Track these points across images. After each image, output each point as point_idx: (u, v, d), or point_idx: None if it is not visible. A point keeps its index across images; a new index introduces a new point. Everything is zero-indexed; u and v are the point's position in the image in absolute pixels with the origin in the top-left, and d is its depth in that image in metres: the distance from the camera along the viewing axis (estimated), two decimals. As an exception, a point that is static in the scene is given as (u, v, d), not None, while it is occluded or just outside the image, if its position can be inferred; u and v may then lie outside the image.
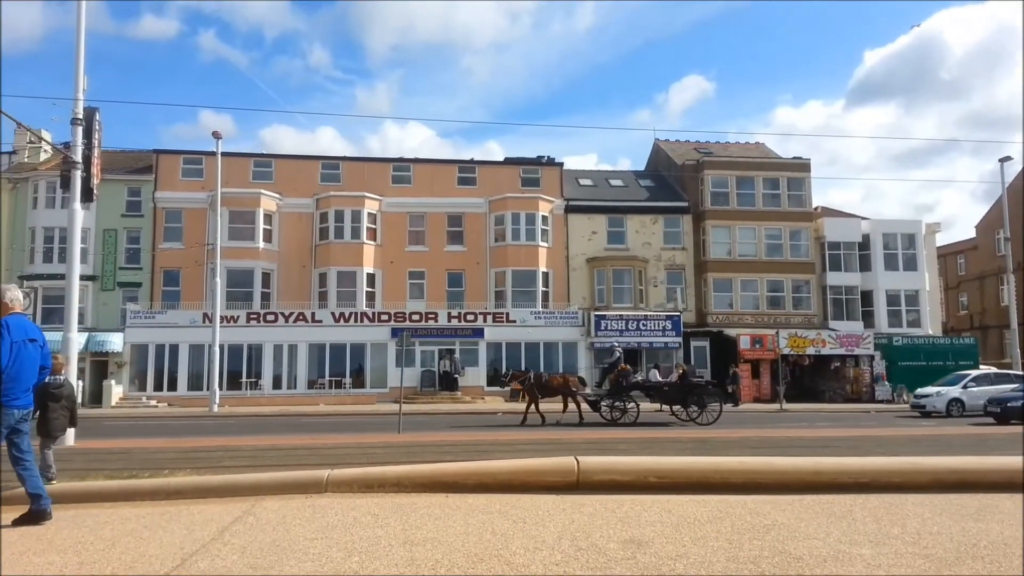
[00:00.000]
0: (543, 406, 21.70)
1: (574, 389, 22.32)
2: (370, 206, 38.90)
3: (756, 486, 6.64)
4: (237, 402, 33.17)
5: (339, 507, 6.14)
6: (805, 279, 40.79)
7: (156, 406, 33.25)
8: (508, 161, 43.20)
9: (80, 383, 29.10)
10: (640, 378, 24.81)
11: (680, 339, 37.54)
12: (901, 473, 6.86)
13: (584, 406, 21.66)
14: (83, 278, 28.15)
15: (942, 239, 50.54)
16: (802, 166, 42.28)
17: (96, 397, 33.88)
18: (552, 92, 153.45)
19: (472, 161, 42.54)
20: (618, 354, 24.07)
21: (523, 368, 29.30)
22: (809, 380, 38.52)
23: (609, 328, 36.95)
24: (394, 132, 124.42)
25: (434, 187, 40.15)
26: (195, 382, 34.61)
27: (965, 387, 26.29)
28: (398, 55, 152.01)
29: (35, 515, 5.88)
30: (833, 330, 38.91)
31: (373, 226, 38.97)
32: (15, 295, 6.19)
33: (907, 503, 6.02)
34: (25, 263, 36.68)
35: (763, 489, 6.56)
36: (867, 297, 41.06)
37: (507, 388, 25.58)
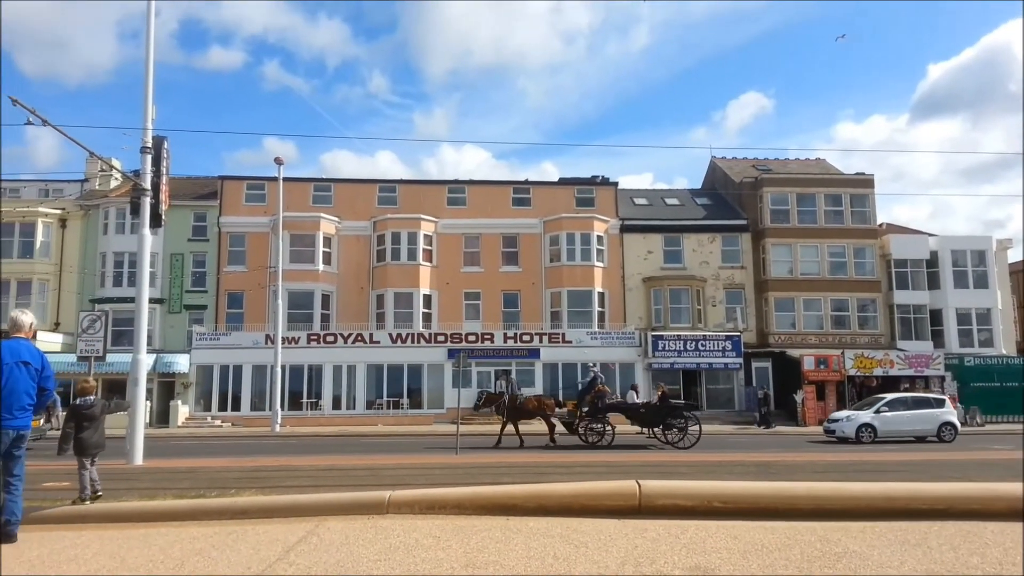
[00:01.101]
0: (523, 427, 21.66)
1: (548, 412, 22.16)
2: (426, 228, 39.35)
3: (825, 512, 6.40)
4: (298, 422, 33.73)
5: (401, 528, 6.14)
6: (871, 298, 39.65)
7: (220, 426, 34.02)
8: (562, 181, 43.26)
9: (148, 403, 30.01)
10: (616, 399, 24.26)
11: (740, 360, 36.81)
12: (979, 500, 6.53)
13: (560, 428, 21.69)
14: (151, 301, 29.12)
15: (1014, 255, 48.64)
16: (865, 182, 41.26)
17: (163, 417, 34.87)
18: (607, 112, 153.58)
19: (526, 182, 42.75)
20: (593, 375, 23.58)
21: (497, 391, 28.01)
22: (877, 402, 37.22)
23: (667, 348, 36.48)
24: (450, 155, 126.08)
25: (489, 208, 40.42)
26: (258, 402, 35.36)
27: (878, 412, 24.77)
28: (455, 79, 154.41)
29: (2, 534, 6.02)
30: (901, 350, 37.63)
31: (429, 247, 39.39)
32: (19, 321, 6.58)
33: (986, 531, 5.74)
34: (96, 287, 38.16)
35: (833, 515, 6.33)
36: (936, 316, 39.68)
37: (480, 411, 25.53)
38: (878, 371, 36.19)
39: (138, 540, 6.06)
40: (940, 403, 25.32)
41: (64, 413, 8.60)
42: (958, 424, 24.81)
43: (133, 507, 7.42)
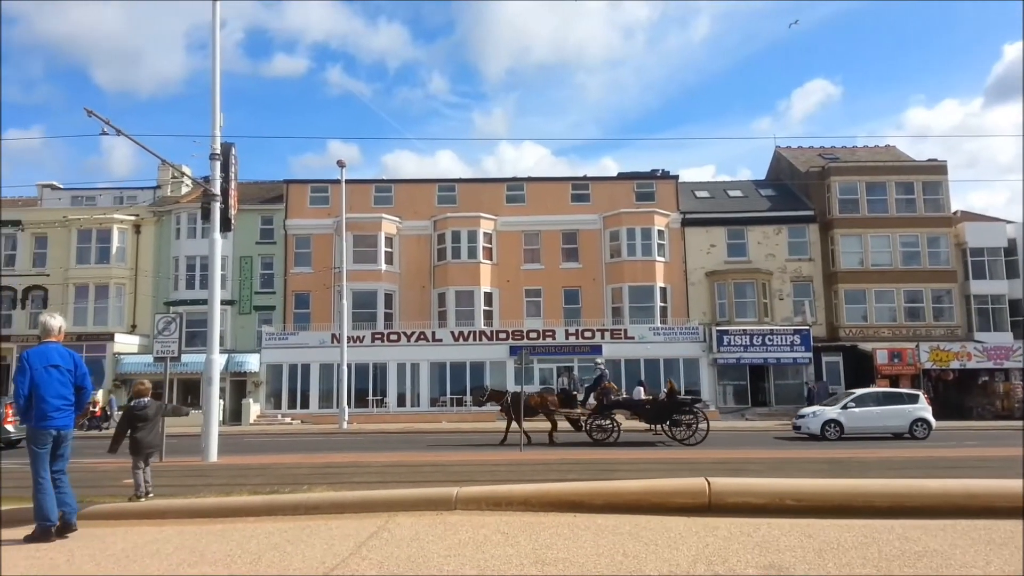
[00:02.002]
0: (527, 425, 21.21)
1: (552, 408, 21.88)
2: (485, 226, 39.54)
3: (903, 510, 6.20)
4: (364, 419, 34.32)
5: (469, 525, 6.19)
6: (946, 288, 38.21)
7: (290, 423, 34.86)
8: (621, 176, 42.91)
9: (222, 402, 30.99)
10: (622, 396, 23.75)
11: (810, 354, 35.94)
12: (1071, 498, 6.23)
13: (564, 425, 21.56)
14: (222, 303, 29.97)
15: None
16: (938, 168, 39.73)
17: (236, 415, 35.94)
18: (667, 104, 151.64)
19: (585, 178, 42.56)
20: (600, 372, 23.19)
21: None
22: (954, 396, 35.92)
23: (733, 343, 35.87)
24: (509, 153, 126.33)
25: (548, 205, 40.38)
26: (325, 400, 36.13)
27: (845, 407, 23.78)
28: (513, 78, 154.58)
29: (61, 527, 6.36)
30: (979, 342, 36.15)
31: (489, 245, 39.57)
32: (47, 325, 6.78)
33: (1079, 530, 5.47)
34: (170, 290, 39.55)
35: (911, 513, 6.13)
36: (1016, 306, 37.94)
37: (484, 406, 25.39)
38: (955, 364, 34.91)
39: (216, 535, 6.26)
40: (913, 399, 24.27)
41: (119, 413, 8.96)
42: (932, 420, 23.56)
43: (211, 503, 7.66)
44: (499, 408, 22.92)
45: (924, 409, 23.75)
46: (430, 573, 4.66)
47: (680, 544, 5.26)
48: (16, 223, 40.55)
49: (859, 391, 25.93)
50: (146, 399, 9.01)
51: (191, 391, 36.94)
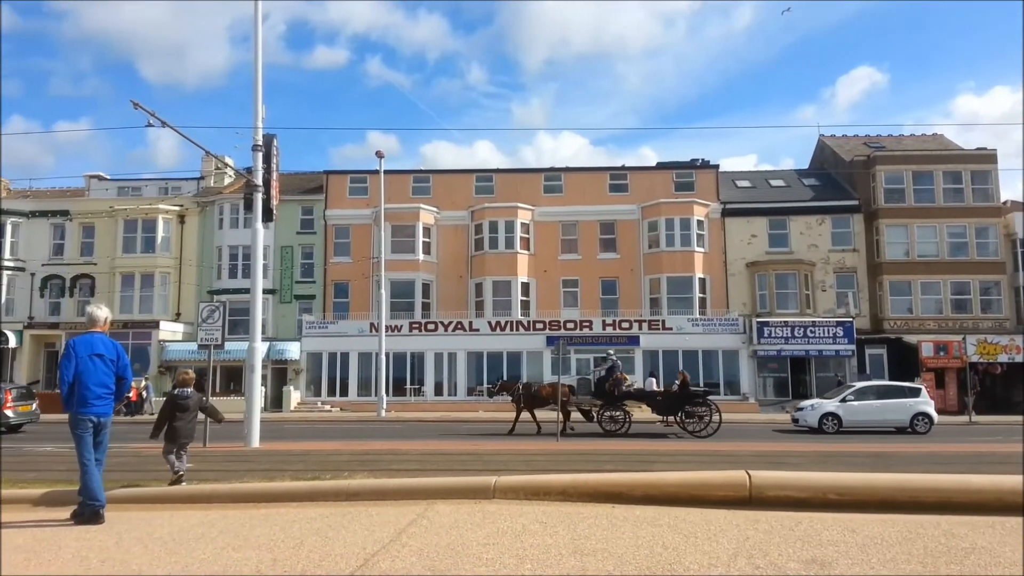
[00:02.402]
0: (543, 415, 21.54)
1: (564, 399, 21.68)
2: (523, 216, 39.51)
3: (949, 506, 6.09)
4: (402, 408, 34.63)
5: (507, 513, 6.22)
6: (995, 280, 37.18)
7: (330, 410, 35.34)
8: (660, 166, 42.49)
9: (263, 389, 31.46)
10: (635, 387, 23.53)
11: (853, 347, 35.31)
12: None
13: (576, 415, 21.53)
14: (264, 292, 30.46)
15: None
16: (987, 157, 38.60)
17: (277, 402, 36.55)
18: (707, 93, 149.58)
19: (623, 168, 42.21)
20: (612, 363, 22.88)
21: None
22: (1002, 390, 35.07)
23: (773, 335, 35.40)
24: (548, 143, 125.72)
25: (586, 195, 40.18)
26: (364, 388, 36.54)
27: (844, 400, 23.36)
28: (552, 68, 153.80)
29: (83, 514, 6.58)
30: (1029, 335, 35.17)
31: (526, 235, 39.54)
32: (93, 315, 7.01)
33: None
34: (213, 279, 40.28)
35: (957, 509, 6.01)
36: (1068, 299, 36.83)
37: (493, 398, 25.35)
38: (1003, 357, 34.05)
39: (260, 519, 6.38)
40: (915, 392, 23.85)
41: (157, 399, 9.18)
42: (934, 415, 23.01)
43: (254, 488, 7.82)
44: (511, 399, 23.00)
45: (926, 403, 23.31)
46: (469, 561, 4.69)
47: (720, 537, 5.22)
48: (65, 213, 41.64)
49: (860, 384, 25.65)
50: (189, 389, 9.22)
51: (234, 378, 37.63)
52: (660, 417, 22.07)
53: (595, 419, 21.38)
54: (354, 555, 4.91)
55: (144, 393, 33.95)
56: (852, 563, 4.50)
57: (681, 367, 35.27)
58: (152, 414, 32.30)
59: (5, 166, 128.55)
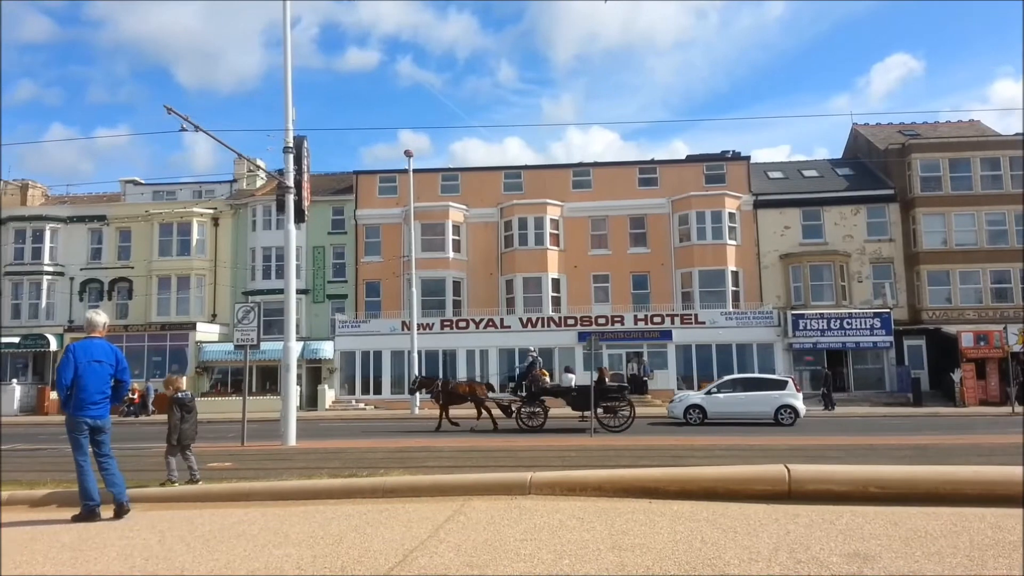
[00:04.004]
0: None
1: (481, 396, 22.04)
2: (552, 212, 39.44)
3: (995, 498, 5.93)
4: (435, 405, 34.64)
5: (544, 509, 6.21)
6: (1036, 267, 36.31)
7: (364, 408, 35.63)
8: (690, 159, 42.12)
9: (298, 388, 31.85)
10: (550, 383, 23.39)
11: (891, 338, 34.73)
12: None
13: (497, 412, 21.78)
14: (297, 292, 30.82)
15: None
16: (1027, 142, 37.68)
17: (312, 400, 36.96)
18: (738, 84, 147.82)
19: (652, 161, 41.92)
20: (532, 359, 22.96)
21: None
22: (1045, 380, 34.18)
23: (809, 327, 34.94)
24: (578, 138, 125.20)
25: (615, 190, 39.99)
26: (397, 386, 36.73)
27: (709, 393, 23.88)
28: (581, 64, 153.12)
29: (116, 509, 6.79)
30: (1074, 324, 34.26)
31: (556, 232, 39.48)
32: (92, 321, 7.23)
33: None
34: (247, 280, 40.81)
35: (1004, 502, 5.86)
36: (1113, 285, 35.81)
37: (416, 395, 25.45)
38: (1047, 346, 33.18)
39: (298, 516, 6.45)
40: (781, 385, 23.94)
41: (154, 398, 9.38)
42: (799, 407, 22.96)
43: (293, 486, 7.90)
44: (430, 396, 23.20)
45: (792, 396, 23.27)
46: (507, 556, 4.69)
47: (760, 531, 5.16)
48: (102, 218, 42.47)
49: (729, 377, 26.20)
50: (189, 392, 9.42)
51: (269, 378, 38.12)
52: (577, 412, 22.10)
53: (513, 415, 21.66)
54: (393, 551, 4.93)
55: (146, 396, 34.46)
56: (896, 557, 4.42)
57: (715, 362, 35.18)
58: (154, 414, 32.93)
59: (45, 173, 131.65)
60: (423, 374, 31.25)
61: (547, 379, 22.86)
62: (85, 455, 6.91)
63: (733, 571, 4.24)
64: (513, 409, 21.81)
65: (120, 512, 6.80)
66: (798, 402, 23.11)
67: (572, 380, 22.95)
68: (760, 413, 23.08)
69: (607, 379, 21.95)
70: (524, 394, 21.85)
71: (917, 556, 4.42)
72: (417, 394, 27.41)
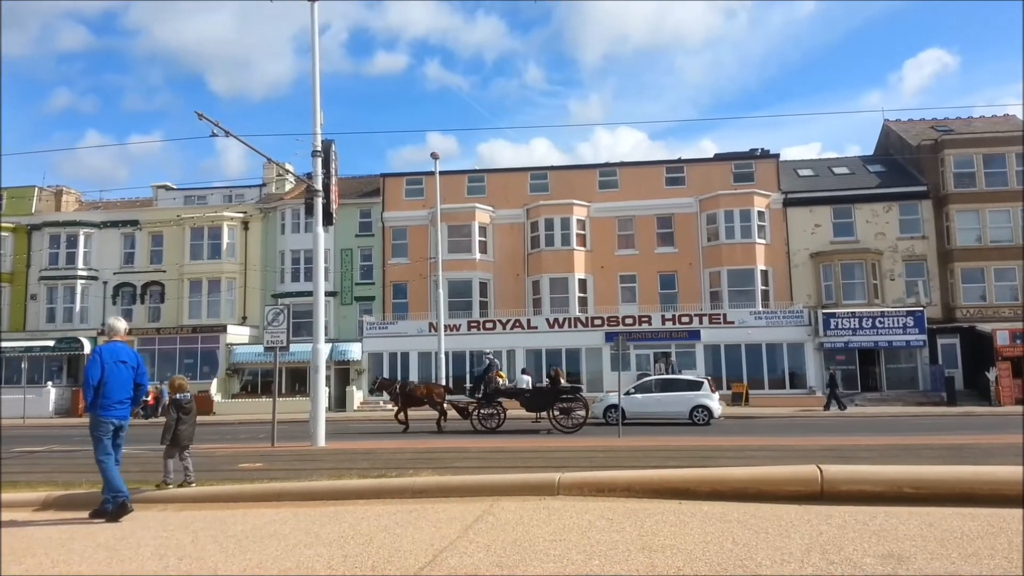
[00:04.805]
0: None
1: (437, 399, 22.32)
2: (578, 213, 39.36)
3: (1034, 499, 5.81)
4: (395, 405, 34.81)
5: (573, 510, 6.20)
6: (1075, 264, 35.50)
7: (392, 409, 35.67)
8: (718, 157, 41.79)
9: (327, 389, 32.12)
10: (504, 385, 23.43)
11: (924, 337, 34.16)
12: None
13: (452, 413, 22.12)
14: (326, 294, 31.08)
15: None
16: (1064, 136, 36.87)
17: (340, 402, 37.23)
18: (767, 82, 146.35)
19: (680, 160, 41.64)
20: (489, 361, 23.17)
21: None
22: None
23: (840, 327, 34.48)
24: (605, 138, 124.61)
25: (641, 189, 39.80)
26: (424, 387, 36.83)
27: (627, 393, 23.89)
28: (609, 64, 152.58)
29: (119, 507, 6.93)
30: (1114, 321, 33.45)
31: (582, 232, 39.39)
32: (115, 327, 7.53)
33: None
34: (277, 283, 41.24)
35: (1042, 503, 5.74)
36: None
37: (376, 396, 25.64)
38: (1084, 344, 32.45)
39: (329, 517, 6.50)
40: (696, 386, 24.68)
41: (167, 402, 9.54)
42: (713, 408, 23.71)
43: (323, 486, 7.97)
44: (389, 398, 23.36)
45: (706, 396, 23.98)
46: (537, 557, 4.68)
47: (792, 532, 5.11)
48: (134, 223, 43.18)
49: (647, 378, 26.80)
50: (189, 394, 9.52)
51: (298, 379, 38.49)
52: (532, 414, 22.32)
53: (469, 417, 21.94)
54: (423, 551, 4.95)
55: (160, 399, 34.85)
56: (931, 558, 4.36)
57: (744, 362, 34.87)
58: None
59: (81, 179, 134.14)
60: (384, 376, 31.71)
61: (504, 381, 23.20)
62: (108, 453, 7.11)
63: (765, 572, 4.20)
64: (470, 411, 22.17)
65: (123, 510, 7.00)
66: (712, 402, 23.86)
67: (527, 382, 23.29)
68: (676, 413, 23.77)
69: (562, 380, 22.39)
70: (480, 396, 22.19)
71: (954, 557, 4.35)
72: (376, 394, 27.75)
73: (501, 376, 23.30)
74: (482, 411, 21.58)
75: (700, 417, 23.51)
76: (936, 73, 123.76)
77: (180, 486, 8.64)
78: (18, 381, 36.56)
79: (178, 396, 9.40)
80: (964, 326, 35.14)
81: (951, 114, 43.03)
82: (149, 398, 33.31)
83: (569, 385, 22.81)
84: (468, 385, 24.07)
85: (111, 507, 6.90)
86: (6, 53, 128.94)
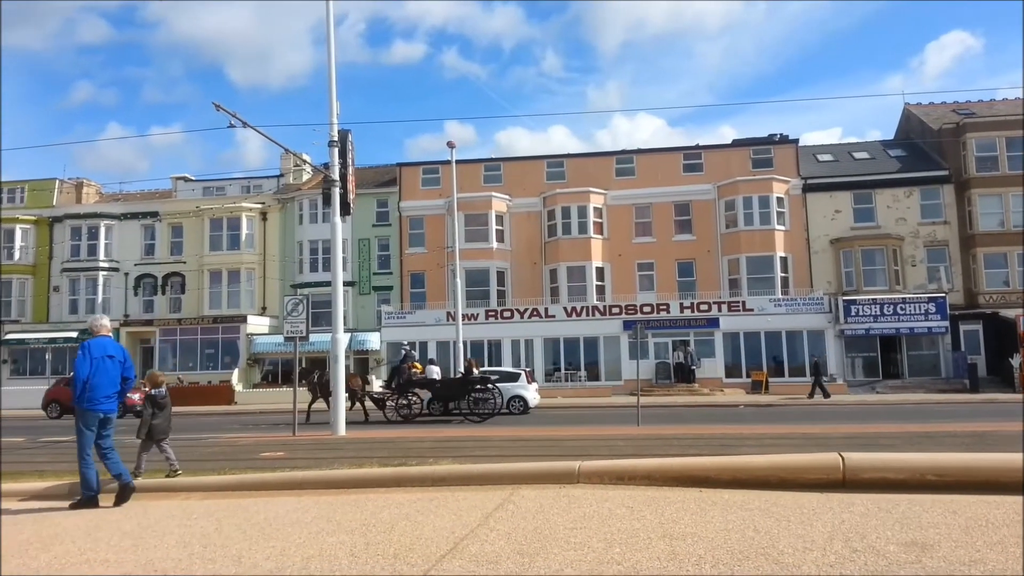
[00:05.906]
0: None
1: (355, 388, 22.41)
2: (595, 201, 39.21)
3: (1059, 487, 5.75)
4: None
5: (593, 498, 6.21)
6: (1099, 248, 34.93)
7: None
8: (736, 143, 41.44)
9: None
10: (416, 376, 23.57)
11: (946, 323, 33.79)
12: None
13: (369, 404, 22.60)
14: (344, 284, 31.22)
15: None
16: (1090, 118, 36.20)
17: (360, 391, 37.40)
18: (785, 66, 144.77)
19: (697, 147, 41.33)
20: (405, 352, 23.47)
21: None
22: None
23: (861, 313, 34.18)
24: (624, 125, 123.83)
25: (659, 177, 39.58)
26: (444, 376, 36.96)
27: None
28: (628, 51, 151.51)
29: (121, 491, 7.27)
30: None
31: (599, 220, 39.25)
32: (99, 323, 7.67)
33: None
34: (295, 273, 41.47)
35: (1068, 490, 5.67)
36: None
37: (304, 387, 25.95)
38: (1110, 330, 31.96)
39: (350, 505, 6.55)
40: (514, 377, 25.52)
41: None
42: (528, 398, 24.88)
43: (344, 474, 8.03)
44: (306, 387, 23.22)
45: (523, 388, 25.04)
46: (558, 544, 4.69)
47: (814, 520, 5.09)
48: (154, 214, 43.56)
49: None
50: (163, 389, 9.64)
51: (318, 368, 38.66)
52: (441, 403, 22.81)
53: (383, 407, 22.33)
54: (444, 539, 4.98)
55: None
56: (956, 546, 4.32)
57: (764, 349, 34.69)
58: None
59: (102, 172, 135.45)
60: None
61: (417, 372, 23.41)
62: (91, 448, 7.27)
63: (787, 559, 4.19)
64: (384, 401, 22.56)
65: (127, 492, 7.26)
66: (528, 393, 25.00)
67: (436, 372, 23.63)
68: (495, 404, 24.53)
69: (475, 371, 22.89)
70: (394, 386, 22.66)
71: (978, 545, 4.32)
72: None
73: (417, 367, 23.64)
74: (397, 401, 22.07)
75: (516, 407, 24.57)
76: (958, 56, 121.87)
77: (168, 476, 8.76)
78: (43, 372, 37.07)
79: (153, 391, 9.52)
80: (987, 312, 34.74)
81: (973, 97, 42.39)
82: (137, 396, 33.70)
83: (480, 375, 23.11)
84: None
85: (83, 500, 7.19)
86: (28, 47, 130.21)
